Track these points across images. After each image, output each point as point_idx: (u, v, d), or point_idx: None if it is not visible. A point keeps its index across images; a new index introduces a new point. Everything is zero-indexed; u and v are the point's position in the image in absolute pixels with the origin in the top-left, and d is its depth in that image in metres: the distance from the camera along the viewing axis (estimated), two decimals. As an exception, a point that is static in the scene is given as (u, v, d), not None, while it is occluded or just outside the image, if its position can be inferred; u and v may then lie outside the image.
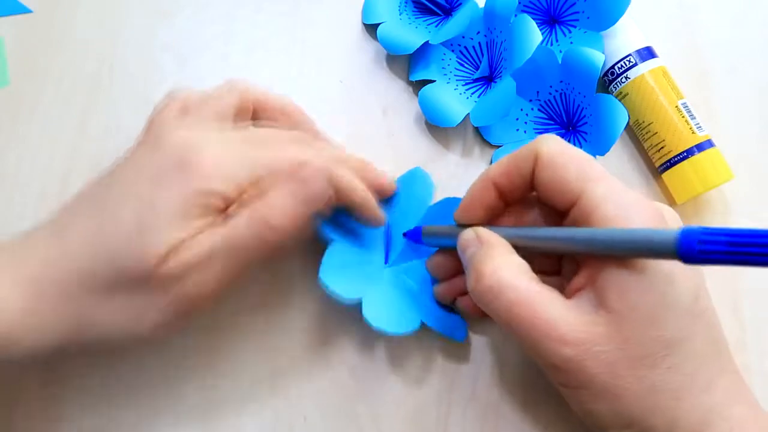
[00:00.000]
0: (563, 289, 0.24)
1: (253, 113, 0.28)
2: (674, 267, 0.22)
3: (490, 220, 0.27)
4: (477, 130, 0.34)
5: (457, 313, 0.30)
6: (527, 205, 0.27)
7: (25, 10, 0.36)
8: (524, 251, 0.25)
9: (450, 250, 0.28)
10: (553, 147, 0.24)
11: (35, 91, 0.35)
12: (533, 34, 0.30)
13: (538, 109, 0.34)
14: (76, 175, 0.33)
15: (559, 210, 0.25)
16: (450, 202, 0.31)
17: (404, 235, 0.30)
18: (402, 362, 0.30)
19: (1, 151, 0.34)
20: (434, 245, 0.30)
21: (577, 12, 0.34)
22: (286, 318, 0.30)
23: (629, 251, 0.21)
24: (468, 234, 0.26)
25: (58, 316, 0.23)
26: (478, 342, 0.30)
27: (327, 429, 0.29)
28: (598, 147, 0.31)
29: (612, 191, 0.23)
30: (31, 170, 0.33)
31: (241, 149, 0.25)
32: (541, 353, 0.22)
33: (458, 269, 0.28)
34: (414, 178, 0.32)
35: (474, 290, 0.24)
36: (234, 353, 0.30)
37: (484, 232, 0.25)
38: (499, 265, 0.23)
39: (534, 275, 0.24)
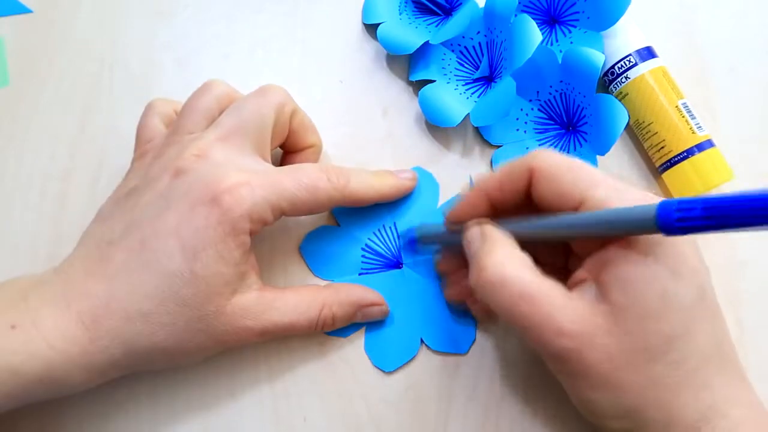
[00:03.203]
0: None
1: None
2: (680, 264, 0.22)
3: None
4: (477, 130, 0.34)
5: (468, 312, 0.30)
6: (521, 212, 0.27)
7: (25, 10, 0.36)
8: (526, 244, 0.25)
9: (455, 250, 0.28)
10: (548, 160, 0.24)
11: (35, 91, 0.35)
12: (533, 34, 0.30)
13: (538, 109, 0.34)
14: (76, 175, 0.33)
15: None
16: None
17: (401, 247, 0.31)
18: (402, 362, 0.30)
19: (1, 151, 0.34)
20: (430, 251, 0.31)
21: (577, 12, 0.34)
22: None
23: (614, 229, 0.21)
24: (473, 230, 0.26)
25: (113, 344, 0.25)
26: (479, 340, 0.30)
27: (327, 429, 0.29)
28: (598, 147, 0.31)
29: (612, 190, 0.23)
30: (31, 170, 0.33)
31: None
32: (542, 344, 0.23)
33: (466, 270, 0.28)
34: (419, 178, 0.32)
35: (477, 283, 0.24)
36: (234, 353, 0.30)
37: (488, 228, 0.26)
38: (502, 258, 0.23)
39: (536, 269, 0.24)
